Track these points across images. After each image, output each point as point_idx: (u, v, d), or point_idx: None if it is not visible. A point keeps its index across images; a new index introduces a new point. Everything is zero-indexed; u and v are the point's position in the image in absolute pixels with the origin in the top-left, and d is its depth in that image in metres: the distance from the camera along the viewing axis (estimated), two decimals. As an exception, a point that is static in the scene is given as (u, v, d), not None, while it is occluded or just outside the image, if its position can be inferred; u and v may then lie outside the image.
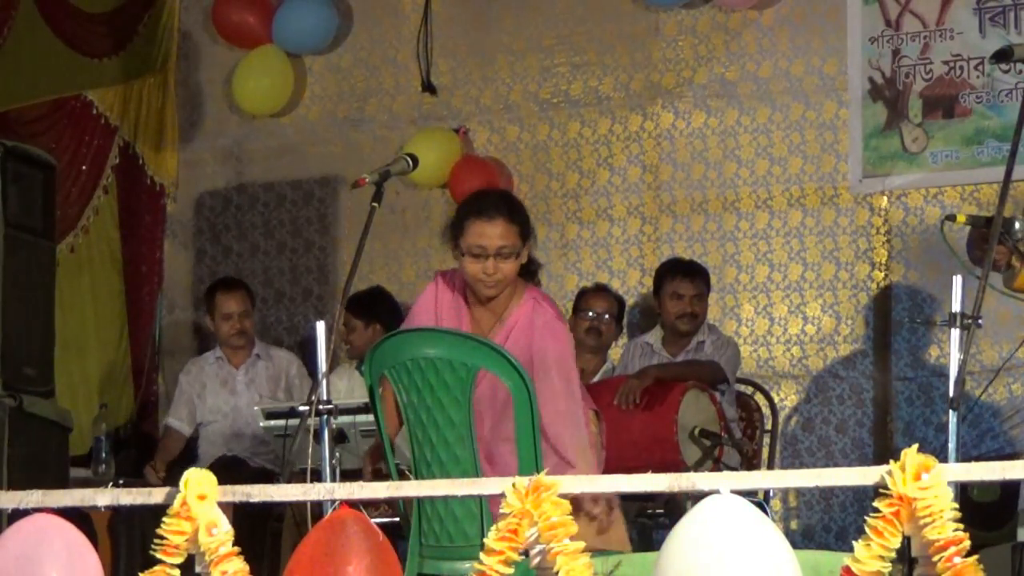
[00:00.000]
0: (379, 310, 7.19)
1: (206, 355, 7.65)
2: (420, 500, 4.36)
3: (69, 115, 8.67)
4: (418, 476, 4.43)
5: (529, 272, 4.85)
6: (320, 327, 4.66)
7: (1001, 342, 6.63)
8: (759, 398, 6.88)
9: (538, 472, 3.09)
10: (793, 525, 7.13)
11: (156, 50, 8.58)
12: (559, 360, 4.67)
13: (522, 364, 4.46)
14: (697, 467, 5.94)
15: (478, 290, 4.74)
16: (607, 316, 6.98)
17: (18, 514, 3.33)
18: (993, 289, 4.52)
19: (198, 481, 3.23)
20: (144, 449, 7.96)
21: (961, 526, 2.89)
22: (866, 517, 2.93)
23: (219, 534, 3.20)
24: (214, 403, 7.43)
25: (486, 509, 4.30)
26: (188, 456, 7.34)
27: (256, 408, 6.40)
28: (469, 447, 4.39)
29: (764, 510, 3.09)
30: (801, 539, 6.93)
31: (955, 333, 4.12)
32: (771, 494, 6.57)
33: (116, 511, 6.70)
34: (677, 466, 5.76)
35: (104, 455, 7.24)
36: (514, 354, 4.49)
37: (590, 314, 6.95)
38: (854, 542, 2.93)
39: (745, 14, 7.39)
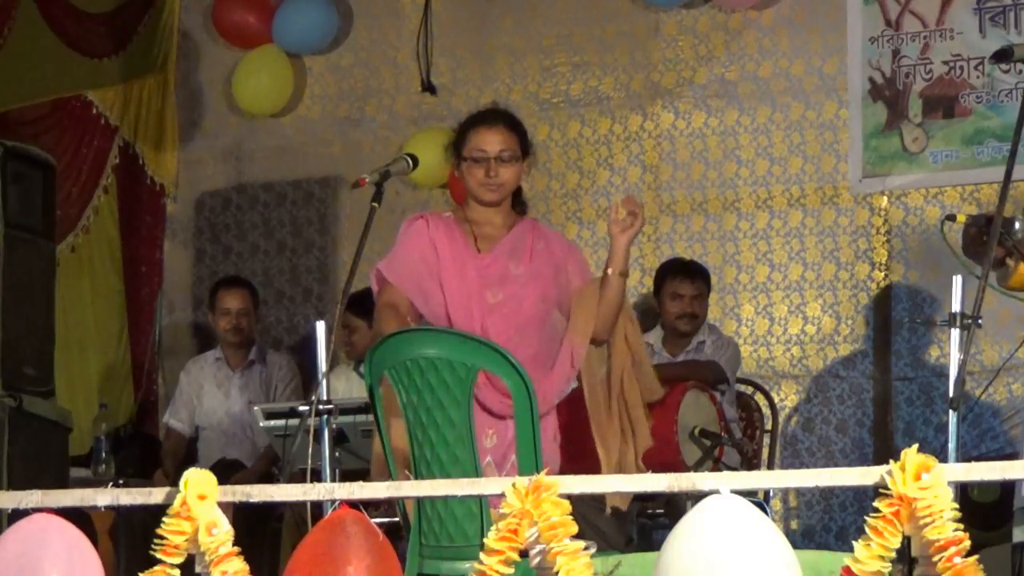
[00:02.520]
0: (380, 309, 7.16)
1: (206, 355, 7.64)
2: (420, 500, 4.36)
3: (69, 115, 8.67)
4: (418, 476, 4.43)
5: (519, 202, 5.04)
6: (320, 327, 4.67)
7: (1001, 342, 6.63)
8: (759, 398, 6.88)
9: (538, 471, 3.09)
10: (793, 525, 7.12)
11: (156, 50, 8.57)
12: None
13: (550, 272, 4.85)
14: (697, 467, 5.93)
15: (480, 194, 4.89)
16: (607, 316, 6.96)
17: (18, 514, 3.33)
18: (993, 289, 4.52)
19: (198, 481, 3.22)
20: (144, 449, 7.95)
21: (961, 526, 2.89)
22: (866, 517, 2.93)
23: (219, 534, 3.20)
24: (210, 405, 7.43)
25: (486, 509, 4.30)
26: (188, 460, 7.34)
27: (256, 408, 6.40)
28: (469, 447, 4.38)
29: (764, 510, 3.08)
30: (801, 539, 6.92)
31: (955, 333, 4.12)
32: (771, 494, 6.57)
33: (117, 513, 6.70)
34: (677, 466, 5.76)
35: (104, 455, 7.24)
36: (537, 260, 4.87)
37: (590, 314, 6.94)
38: (854, 542, 2.92)
39: (745, 14, 7.39)
